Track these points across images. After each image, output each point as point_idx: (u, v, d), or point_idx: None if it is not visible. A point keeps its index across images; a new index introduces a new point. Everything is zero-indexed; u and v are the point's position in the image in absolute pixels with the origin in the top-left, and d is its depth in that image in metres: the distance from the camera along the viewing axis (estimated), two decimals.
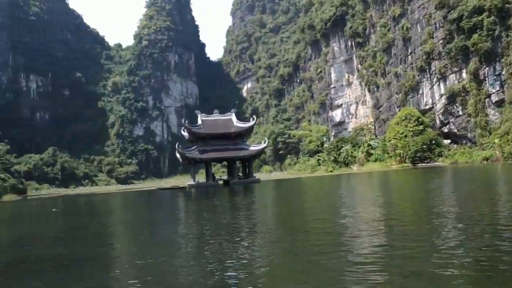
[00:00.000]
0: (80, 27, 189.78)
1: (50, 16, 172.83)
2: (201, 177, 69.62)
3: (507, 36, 65.45)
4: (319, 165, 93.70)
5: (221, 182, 55.43)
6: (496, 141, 57.51)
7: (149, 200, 37.05)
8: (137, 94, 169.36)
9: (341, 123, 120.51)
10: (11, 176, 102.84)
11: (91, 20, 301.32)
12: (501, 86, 68.08)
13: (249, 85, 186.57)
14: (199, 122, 53.11)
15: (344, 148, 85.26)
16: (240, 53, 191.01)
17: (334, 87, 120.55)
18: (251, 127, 53.89)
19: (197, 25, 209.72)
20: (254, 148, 53.41)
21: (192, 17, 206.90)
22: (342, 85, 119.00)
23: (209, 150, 49.97)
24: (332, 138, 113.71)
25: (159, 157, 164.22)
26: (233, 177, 53.05)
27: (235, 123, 53.34)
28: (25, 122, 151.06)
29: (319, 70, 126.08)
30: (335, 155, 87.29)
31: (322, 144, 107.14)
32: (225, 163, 70.87)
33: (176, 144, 52.69)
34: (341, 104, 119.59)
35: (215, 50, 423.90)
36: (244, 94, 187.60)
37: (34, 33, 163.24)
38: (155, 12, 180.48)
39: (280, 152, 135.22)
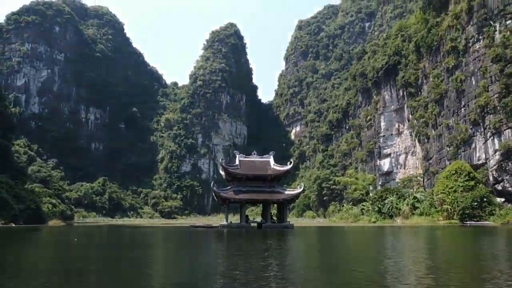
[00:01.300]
0: (140, 64, 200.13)
1: (114, 54, 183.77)
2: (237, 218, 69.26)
3: None
4: (363, 214, 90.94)
5: (254, 224, 54.67)
6: None
7: (180, 237, 36.98)
8: (187, 131, 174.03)
9: (389, 172, 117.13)
10: (61, 202, 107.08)
11: (151, 58, 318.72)
12: None
13: (298, 128, 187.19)
14: (237, 162, 53.29)
15: (389, 199, 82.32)
16: (291, 97, 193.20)
17: (384, 135, 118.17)
18: (288, 171, 53.22)
19: (251, 68, 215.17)
20: (289, 192, 52.51)
21: (247, 60, 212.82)
22: (391, 134, 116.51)
23: (244, 191, 49.68)
24: (379, 188, 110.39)
25: (204, 194, 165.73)
26: (266, 220, 52.15)
27: (272, 166, 52.97)
28: (81, 152, 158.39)
29: (368, 117, 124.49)
30: (379, 206, 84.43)
31: (367, 193, 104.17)
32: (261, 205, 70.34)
33: (212, 183, 52.89)
34: (390, 154, 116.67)
35: (267, 93, 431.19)
36: (292, 137, 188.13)
37: (98, 68, 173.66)
38: (211, 54, 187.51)
39: (324, 198, 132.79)
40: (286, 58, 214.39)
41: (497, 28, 77.63)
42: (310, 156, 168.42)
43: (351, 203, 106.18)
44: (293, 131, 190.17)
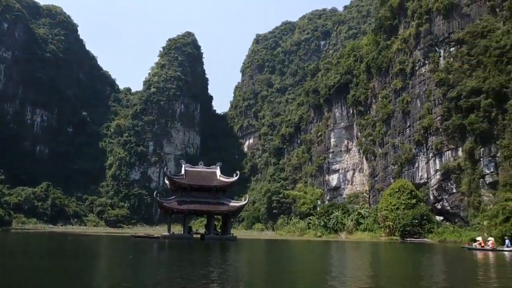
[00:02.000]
0: (93, 68, 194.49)
1: (66, 55, 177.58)
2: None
3: (503, 119, 65.82)
4: (309, 228, 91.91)
5: (197, 235, 53.84)
6: (485, 223, 56.05)
7: (117, 247, 35.71)
8: (138, 139, 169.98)
9: (336, 188, 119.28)
10: None
11: (105, 62, 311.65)
12: (496, 168, 67.57)
13: (251, 141, 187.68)
14: (182, 172, 52.48)
15: (334, 214, 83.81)
16: (246, 109, 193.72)
17: (333, 151, 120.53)
18: (234, 183, 52.96)
19: (207, 78, 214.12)
20: (234, 204, 52.22)
21: (203, 70, 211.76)
22: (340, 150, 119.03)
23: (188, 202, 48.90)
24: (326, 202, 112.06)
25: (152, 203, 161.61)
26: (209, 232, 51.51)
27: (218, 177, 52.54)
28: (24, 155, 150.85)
29: (319, 133, 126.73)
30: (325, 220, 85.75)
31: (315, 207, 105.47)
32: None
33: (155, 192, 51.70)
34: (338, 169, 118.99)
35: (222, 104, 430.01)
36: (245, 149, 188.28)
37: (48, 69, 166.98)
38: (167, 61, 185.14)
39: (274, 211, 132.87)
40: (243, 71, 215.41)
41: (442, 54, 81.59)
42: (262, 169, 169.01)
43: (298, 217, 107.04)
44: (246, 143, 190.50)
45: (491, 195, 65.94)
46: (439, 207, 79.17)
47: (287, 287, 12.78)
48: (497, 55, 68.33)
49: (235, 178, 52.79)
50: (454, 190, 75.21)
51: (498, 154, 66.71)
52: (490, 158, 68.61)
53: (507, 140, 64.03)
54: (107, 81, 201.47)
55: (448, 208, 76.79)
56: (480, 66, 72.32)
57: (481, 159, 70.02)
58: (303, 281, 13.97)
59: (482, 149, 69.76)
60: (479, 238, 42.36)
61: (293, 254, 32.29)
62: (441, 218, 78.30)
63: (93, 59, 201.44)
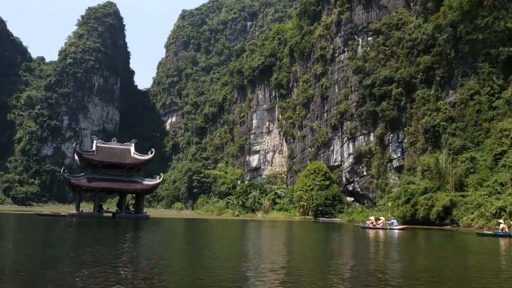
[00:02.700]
0: (1, 33, 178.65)
1: None
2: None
3: (411, 108, 70.12)
4: (227, 207, 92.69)
5: (108, 214, 52.05)
6: (389, 204, 59.93)
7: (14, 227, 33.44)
8: (52, 112, 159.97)
9: (257, 168, 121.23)
10: None
11: (16, 28, 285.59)
12: (402, 153, 72.17)
13: (174, 119, 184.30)
14: (94, 147, 50.20)
15: (252, 194, 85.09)
16: (169, 87, 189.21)
17: (254, 133, 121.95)
18: (148, 161, 51.61)
19: (128, 52, 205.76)
20: (147, 182, 50.98)
21: (125, 43, 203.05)
22: (262, 132, 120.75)
23: (99, 179, 46.91)
24: (246, 183, 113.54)
25: None
26: (121, 210, 50.02)
27: (132, 154, 50.89)
28: None
29: (242, 114, 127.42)
30: (243, 200, 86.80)
31: (234, 187, 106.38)
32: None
33: (62, 168, 49.04)
34: (259, 151, 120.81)
35: (144, 80, 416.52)
36: (168, 127, 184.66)
37: None
38: (86, 31, 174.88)
39: (194, 191, 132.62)
40: (167, 47, 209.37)
41: (360, 43, 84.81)
42: (183, 148, 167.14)
43: (218, 197, 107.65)
44: (169, 121, 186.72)
45: (396, 178, 70.51)
46: (350, 188, 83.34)
47: (196, 264, 12.56)
48: (409, 47, 72.30)
49: (149, 156, 51.40)
50: (365, 173, 79.42)
51: (405, 140, 71.27)
52: (397, 144, 73.14)
53: (413, 128, 68.50)
54: (17, 48, 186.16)
55: (359, 189, 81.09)
56: (393, 56, 76.20)
57: (390, 144, 74.47)
58: (214, 259, 13.84)
59: (391, 135, 74.15)
60: (382, 218, 45.19)
61: (209, 232, 32.32)
62: (352, 199, 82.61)
63: (1, 23, 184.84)
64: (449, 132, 60.66)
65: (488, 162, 51.09)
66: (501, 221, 33.79)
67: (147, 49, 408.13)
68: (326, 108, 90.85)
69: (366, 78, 78.47)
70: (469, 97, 59.39)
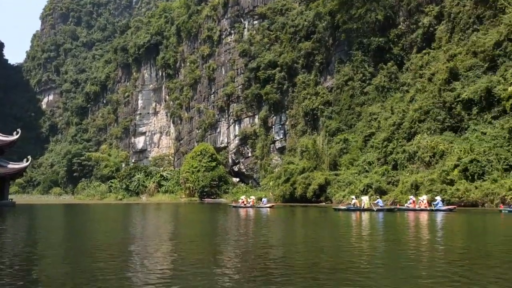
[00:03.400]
0: None
1: None
2: None
3: (293, 91, 73.24)
4: (110, 192, 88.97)
5: None
6: (271, 183, 62.41)
7: None
8: None
9: (143, 151, 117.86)
10: None
11: None
12: (284, 135, 75.35)
13: (51, 97, 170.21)
14: None
15: (136, 177, 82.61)
16: (45, 62, 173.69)
17: (140, 113, 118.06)
18: (13, 142, 46.95)
19: None
20: (13, 166, 46.60)
21: None
22: (148, 113, 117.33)
23: None
24: (131, 165, 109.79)
25: None
26: None
27: None
28: None
29: (127, 94, 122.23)
30: (127, 183, 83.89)
31: (118, 170, 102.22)
32: None
33: None
34: (145, 132, 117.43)
35: (16, 54, 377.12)
36: (44, 106, 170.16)
37: None
38: None
39: (74, 175, 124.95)
40: (43, 18, 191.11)
41: (246, 26, 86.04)
42: (62, 129, 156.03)
43: (100, 180, 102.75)
44: (45, 100, 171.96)
45: (279, 159, 73.55)
46: (236, 169, 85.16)
47: (76, 253, 11.64)
48: (291, 33, 75.10)
49: (15, 136, 46.65)
50: (250, 154, 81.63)
51: (287, 123, 74.48)
52: (280, 126, 76.19)
53: (294, 111, 71.79)
54: None
55: (244, 170, 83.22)
56: (277, 41, 78.67)
57: (273, 126, 77.29)
58: (95, 247, 12.97)
59: (275, 117, 76.94)
60: (265, 198, 47.06)
61: (84, 218, 30.50)
62: (238, 179, 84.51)
63: None
64: (326, 115, 64.66)
65: (359, 143, 55.62)
66: (353, 196, 37.12)
67: (20, 19, 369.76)
68: (213, 90, 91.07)
69: (252, 61, 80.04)
70: (344, 83, 63.71)
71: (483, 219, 24.50)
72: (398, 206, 35.88)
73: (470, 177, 37.10)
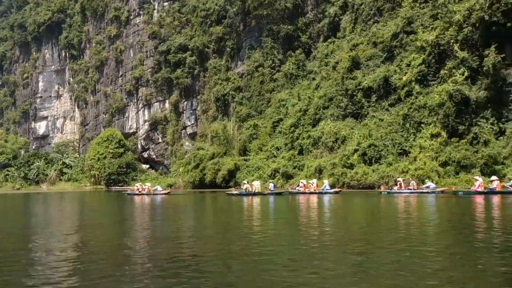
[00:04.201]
0: None
1: None
2: None
3: (204, 76, 72.28)
4: (7, 181, 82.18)
5: None
6: (180, 169, 61.42)
7: None
8: None
9: (44, 136, 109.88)
10: None
11: None
12: (196, 120, 74.38)
13: None
14: None
15: (36, 164, 77.01)
16: None
17: (41, 96, 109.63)
18: None
19: None
20: None
21: None
22: (50, 96, 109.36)
23: None
24: (31, 152, 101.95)
25: None
26: None
27: None
28: None
29: (25, 75, 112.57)
30: (25, 171, 77.91)
31: (15, 157, 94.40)
32: None
33: None
34: (47, 117, 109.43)
35: None
36: None
37: None
38: None
39: None
40: None
41: (156, 7, 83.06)
42: None
43: None
44: None
45: (190, 145, 72.52)
46: (146, 155, 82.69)
47: None
48: (202, 17, 73.73)
49: None
50: (160, 140, 79.62)
51: (198, 108, 73.51)
52: (191, 111, 75.05)
53: (206, 96, 71.02)
54: None
55: (154, 156, 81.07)
56: (188, 24, 76.93)
57: (184, 111, 75.95)
58: None
59: (186, 102, 75.59)
60: (158, 185, 46.01)
61: None
62: (148, 166, 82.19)
63: None
64: (237, 101, 64.73)
65: (268, 129, 56.46)
66: (245, 181, 37.68)
67: None
68: (121, 73, 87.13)
69: (162, 44, 77.56)
70: (254, 69, 64.05)
71: (362, 200, 25.92)
72: (289, 190, 36.89)
73: (368, 161, 39.28)
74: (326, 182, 34.20)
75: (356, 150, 40.13)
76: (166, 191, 42.86)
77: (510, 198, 22.65)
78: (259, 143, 55.31)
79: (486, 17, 34.13)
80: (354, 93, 45.61)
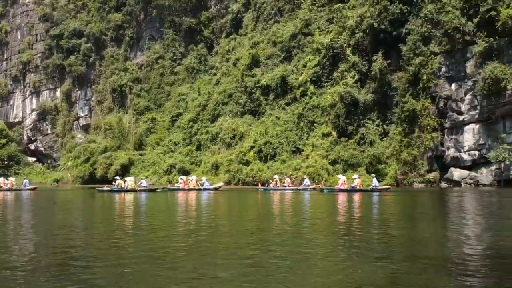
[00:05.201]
0: None
1: None
2: None
3: (100, 65, 68.20)
4: None
5: None
6: (69, 163, 57.32)
7: None
8: None
9: None
10: None
11: None
12: (90, 111, 70.02)
13: None
14: None
15: None
16: None
17: None
18: None
19: None
20: None
21: None
22: None
23: None
24: None
25: None
26: None
27: None
28: None
29: None
30: None
31: None
32: None
33: None
34: None
35: None
36: None
37: None
38: None
39: None
40: None
41: None
42: None
43: None
44: None
45: (83, 137, 67.99)
46: (32, 147, 76.09)
47: None
48: (100, 2, 69.64)
49: None
50: (49, 131, 73.77)
51: (93, 99, 69.26)
52: (85, 102, 70.54)
53: (101, 86, 67.09)
54: None
55: (42, 149, 74.88)
56: (84, 9, 72.22)
57: (77, 101, 71.17)
58: None
59: (79, 92, 70.86)
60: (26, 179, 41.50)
61: None
62: (34, 159, 75.73)
63: None
64: (134, 93, 61.99)
65: (166, 123, 54.80)
66: (117, 177, 35.52)
67: None
68: (5, 56, 79.27)
69: (54, 27, 71.88)
70: (154, 61, 61.86)
71: (235, 197, 25.91)
72: (169, 186, 35.74)
73: (263, 158, 39.64)
74: (204, 179, 33.42)
75: (252, 147, 40.30)
76: (33, 187, 37.83)
77: (375, 195, 23.54)
78: (156, 137, 53.44)
79: (375, 25, 36.10)
80: (253, 90, 45.85)
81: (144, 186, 32.63)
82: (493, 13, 29.12)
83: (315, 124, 39.31)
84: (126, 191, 30.93)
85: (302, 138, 39.54)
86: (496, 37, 29.05)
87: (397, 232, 9.94)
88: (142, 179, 36.55)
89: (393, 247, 7.97)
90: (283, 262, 6.62)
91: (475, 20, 30.14)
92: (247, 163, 39.66)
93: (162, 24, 62.87)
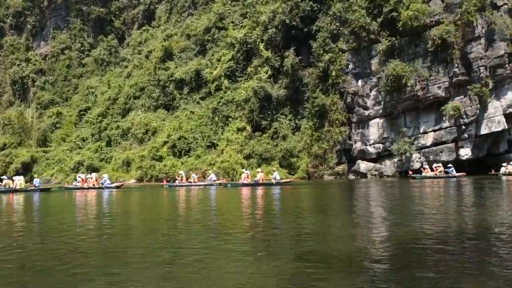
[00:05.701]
0: None
1: None
2: None
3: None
4: None
5: None
6: None
7: None
8: None
9: None
10: None
11: None
12: None
13: None
14: None
15: None
16: None
17: None
18: None
19: None
20: None
21: None
22: None
23: None
24: None
25: None
26: None
27: None
28: None
29: None
30: None
31: None
32: None
33: None
34: None
35: None
36: None
37: None
38: None
39: None
40: None
41: None
42: None
43: None
44: None
45: None
46: None
47: None
48: None
49: None
50: None
51: None
52: None
53: (0, 78, 61.53)
54: None
55: None
56: None
57: None
58: None
59: None
60: None
61: None
62: None
63: None
64: (38, 86, 57.74)
65: (73, 117, 51.67)
66: (4, 176, 31.66)
67: None
68: None
69: None
70: (60, 51, 58.11)
71: (142, 194, 24.87)
72: (65, 185, 33.14)
73: (177, 153, 38.75)
74: (106, 176, 31.43)
75: (166, 142, 39.26)
76: None
77: (276, 189, 23.54)
78: (62, 133, 50.21)
79: (287, 21, 36.70)
80: (166, 84, 44.65)
81: (36, 186, 29.97)
82: (394, 13, 30.83)
83: (229, 119, 39.15)
84: (15, 191, 28.08)
85: (217, 133, 39.21)
86: (398, 37, 30.84)
87: (296, 226, 9.88)
88: (35, 177, 33.56)
89: (286, 243, 7.85)
90: (172, 266, 6.17)
91: (379, 20, 31.75)
92: (160, 159, 38.57)
93: (69, 12, 59.11)
